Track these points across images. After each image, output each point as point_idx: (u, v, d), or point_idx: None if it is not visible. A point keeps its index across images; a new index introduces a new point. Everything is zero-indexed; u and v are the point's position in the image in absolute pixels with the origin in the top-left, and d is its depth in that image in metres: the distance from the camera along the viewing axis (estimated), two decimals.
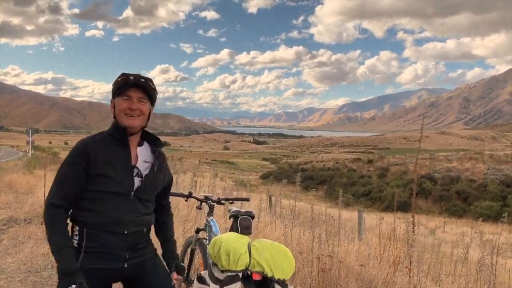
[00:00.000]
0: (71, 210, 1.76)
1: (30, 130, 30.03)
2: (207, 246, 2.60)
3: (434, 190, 38.02)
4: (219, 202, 2.95)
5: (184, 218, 5.23)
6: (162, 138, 1.97)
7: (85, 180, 1.72)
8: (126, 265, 1.79)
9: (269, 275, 1.79)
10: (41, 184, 7.79)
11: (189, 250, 3.08)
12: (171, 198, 2.20)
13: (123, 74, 1.80)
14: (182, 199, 3.13)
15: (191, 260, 3.05)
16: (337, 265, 3.48)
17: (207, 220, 2.83)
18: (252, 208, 5.71)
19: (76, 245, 1.74)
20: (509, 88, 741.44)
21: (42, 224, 5.59)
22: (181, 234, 4.46)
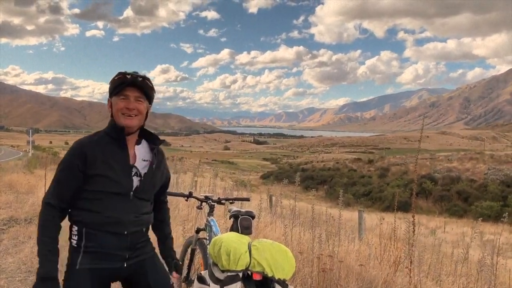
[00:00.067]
0: (70, 210, 1.76)
1: (30, 130, 30.09)
2: (208, 246, 2.60)
3: (435, 190, 38.01)
4: (219, 202, 2.95)
5: (184, 218, 5.22)
6: (163, 138, 1.97)
7: (82, 180, 1.71)
8: (125, 265, 1.79)
9: (270, 275, 1.79)
10: (41, 184, 7.79)
11: (189, 250, 3.08)
12: (171, 198, 2.20)
13: (120, 73, 1.78)
14: (182, 199, 3.13)
15: (191, 260, 3.05)
16: (337, 265, 3.48)
17: (207, 220, 2.83)
18: (253, 208, 5.70)
19: (75, 245, 1.73)
20: (509, 88, 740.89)
21: None
22: (181, 234, 4.46)
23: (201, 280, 1.93)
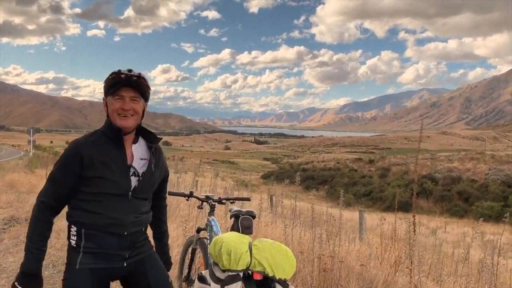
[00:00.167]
0: (68, 210, 1.76)
1: (31, 130, 30.11)
2: (208, 245, 2.60)
3: (435, 190, 37.98)
4: (220, 201, 2.95)
5: (185, 218, 5.22)
6: (163, 138, 1.96)
7: (77, 180, 1.70)
8: (125, 264, 1.79)
9: (270, 274, 1.79)
10: (42, 184, 7.76)
11: (190, 250, 3.08)
12: (172, 198, 2.21)
13: (113, 72, 1.74)
14: (183, 199, 3.13)
15: (192, 260, 3.05)
16: (338, 265, 3.47)
17: (208, 220, 2.83)
18: (253, 208, 5.70)
19: (75, 245, 1.73)
20: (510, 88, 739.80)
21: None
22: (181, 234, 4.46)
23: (202, 279, 1.93)
